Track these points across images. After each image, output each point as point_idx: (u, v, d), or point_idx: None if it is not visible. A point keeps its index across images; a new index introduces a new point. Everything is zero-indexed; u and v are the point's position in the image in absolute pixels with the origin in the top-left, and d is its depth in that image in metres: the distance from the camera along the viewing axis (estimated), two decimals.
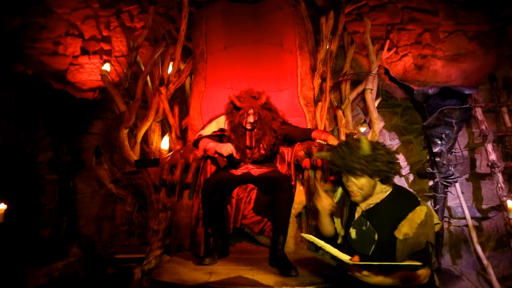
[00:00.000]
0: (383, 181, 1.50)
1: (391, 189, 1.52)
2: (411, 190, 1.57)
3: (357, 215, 1.56)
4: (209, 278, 1.86)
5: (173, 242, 2.26)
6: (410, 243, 1.37)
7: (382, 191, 1.51)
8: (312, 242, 1.42)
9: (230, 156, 2.25)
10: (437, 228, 1.47)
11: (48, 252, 2.87)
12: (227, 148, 2.23)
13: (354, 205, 1.57)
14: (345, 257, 1.28)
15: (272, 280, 1.84)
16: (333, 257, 1.32)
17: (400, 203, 1.47)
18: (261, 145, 2.42)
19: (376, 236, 1.46)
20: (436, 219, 1.46)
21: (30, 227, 3.19)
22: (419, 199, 1.48)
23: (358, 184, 1.46)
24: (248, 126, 2.39)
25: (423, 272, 1.31)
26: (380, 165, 1.43)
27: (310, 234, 2.23)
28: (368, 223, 1.49)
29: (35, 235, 3.19)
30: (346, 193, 1.58)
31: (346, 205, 1.63)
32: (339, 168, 1.48)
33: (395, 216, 1.43)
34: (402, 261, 1.34)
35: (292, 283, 1.80)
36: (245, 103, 2.41)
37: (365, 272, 1.25)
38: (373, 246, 1.46)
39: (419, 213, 1.40)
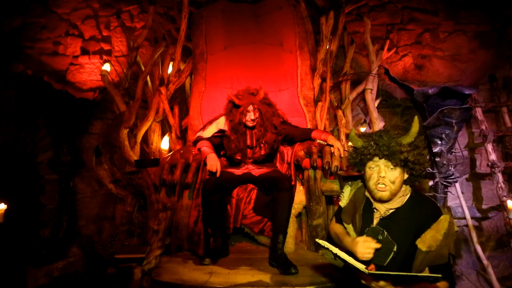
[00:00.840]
0: (406, 182, 1.42)
1: (409, 194, 1.44)
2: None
3: (375, 221, 1.45)
4: (209, 278, 1.86)
5: (173, 242, 2.26)
6: (432, 255, 1.28)
7: (403, 194, 1.43)
8: (323, 246, 1.33)
9: (210, 172, 2.24)
10: None
11: (48, 252, 2.86)
12: (212, 163, 2.22)
13: (370, 211, 1.48)
14: (360, 266, 1.21)
15: (272, 280, 1.84)
16: (348, 264, 1.24)
17: (422, 210, 1.38)
18: (262, 144, 2.42)
19: (395, 248, 1.35)
20: (456, 227, 1.38)
21: (30, 227, 3.19)
22: (439, 205, 1.39)
23: (391, 176, 1.37)
24: (250, 124, 2.38)
25: (443, 287, 1.24)
26: (421, 158, 1.36)
27: (310, 234, 2.25)
28: (385, 233, 1.39)
29: (35, 235, 3.19)
30: (368, 190, 1.47)
31: (358, 210, 1.52)
32: (379, 152, 1.36)
33: (415, 224, 1.34)
34: (420, 272, 1.26)
35: (292, 283, 1.80)
36: (244, 100, 2.40)
37: (381, 283, 1.18)
38: (390, 257, 1.36)
39: (443, 223, 1.31)
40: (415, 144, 1.40)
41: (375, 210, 1.47)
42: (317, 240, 1.42)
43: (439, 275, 1.10)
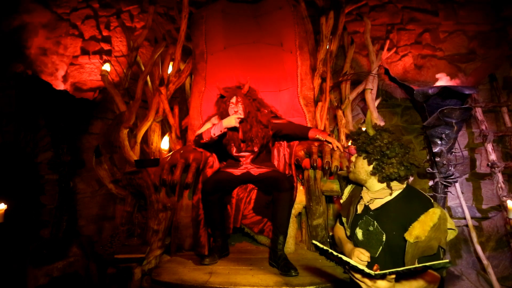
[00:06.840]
0: (401, 179, 1.45)
1: (402, 188, 1.46)
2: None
3: (359, 208, 1.51)
4: (209, 278, 1.86)
5: (173, 242, 2.26)
6: (421, 247, 1.29)
7: (393, 189, 1.45)
8: (318, 247, 1.23)
9: (238, 123, 2.32)
10: (452, 235, 1.38)
11: (48, 252, 2.87)
12: (229, 118, 2.30)
13: (359, 202, 1.54)
14: (366, 268, 1.11)
15: (272, 280, 1.84)
16: (349, 266, 1.14)
17: (412, 203, 1.40)
18: (252, 139, 2.42)
19: (383, 237, 1.39)
20: (450, 225, 1.37)
21: (30, 227, 3.19)
22: (432, 201, 1.40)
23: (356, 163, 1.52)
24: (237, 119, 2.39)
25: (434, 280, 1.24)
26: (373, 148, 1.45)
27: (310, 234, 2.25)
28: (375, 224, 1.43)
29: (35, 235, 3.19)
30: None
31: (353, 203, 1.58)
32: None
33: (405, 217, 1.36)
34: (411, 265, 1.21)
35: (292, 283, 1.80)
36: (229, 92, 2.47)
37: (383, 285, 1.13)
38: (380, 247, 1.39)
39: (432, 216, 1.32)
40: (377, 137, 1.50)
41: (361, 197, 1.53)
42: (313, 241, 1.36)
43: (447, 260, 1.06)
